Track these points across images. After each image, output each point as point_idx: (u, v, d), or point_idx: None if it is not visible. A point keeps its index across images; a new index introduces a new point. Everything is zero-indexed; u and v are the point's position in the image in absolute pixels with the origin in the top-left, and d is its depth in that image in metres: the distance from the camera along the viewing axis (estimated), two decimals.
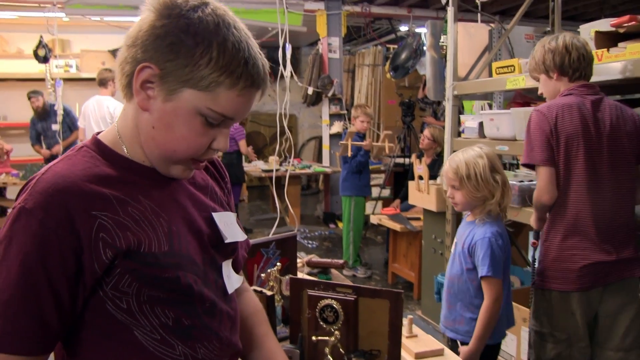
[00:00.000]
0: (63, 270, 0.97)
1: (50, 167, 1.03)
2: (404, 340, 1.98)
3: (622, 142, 2.37)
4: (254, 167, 7.82)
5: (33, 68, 7.93)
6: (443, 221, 3.97)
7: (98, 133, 1.15)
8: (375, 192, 7.08)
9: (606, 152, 2.33)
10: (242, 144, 6.94)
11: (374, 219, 5.51)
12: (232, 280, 1.22)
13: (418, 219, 4.96)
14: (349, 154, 5.38)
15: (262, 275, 2.01)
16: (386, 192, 7.29)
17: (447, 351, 1.96)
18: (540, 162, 2.33)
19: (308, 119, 11.62)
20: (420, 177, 4.20)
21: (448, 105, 3.76)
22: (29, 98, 7.08)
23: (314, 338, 1.50)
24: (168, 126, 1.04)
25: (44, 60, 6.72)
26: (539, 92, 2.59)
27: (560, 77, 2.43)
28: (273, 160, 7.54)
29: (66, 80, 8.06)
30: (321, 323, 1.49)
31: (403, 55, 7.75)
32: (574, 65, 2.38)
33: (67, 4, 6.73)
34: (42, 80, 7.31)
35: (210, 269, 1.16)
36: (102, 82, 5.67)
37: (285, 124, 4.22)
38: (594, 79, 2.49)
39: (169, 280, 1.06)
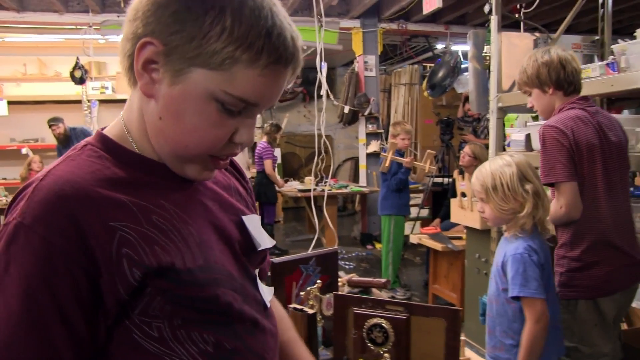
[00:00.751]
0: (75, 298, 0.79)
1: (50, 171, 0.85)
2: None
3: (623, 149, 2.45)
4: (290, 187, 7.71)
5: (70, 90, 8.04)
6: (487, 239, 3.78)
7: (103, 128, 0.97)
8: (413, 212, 6.91)
9: (616, 160, 2.39)
10: (267, 164, 6.80)
11: (413, 239, 5.33)
12: (265, 291, 1.05)
13: (459, 238, 4.77)
14: (387, 164, 5.23)
15: (302, 293, 1.88)
16: (425, 212, 7.12)
17: None
18: (565, 178, 2.30)
19: (343, 140, 11.52)
20: (463, 194, 4.03)
21: (492, 118, 3.59)
22: (50, 126, 7.08)
23: None
24: (177, 115, 0.86)
25: (80, 81, 6.77)
26: (529, 105, 2.54)
27: (556, 92, 2.44)
28: (309, 180, 7.45)
29: (102, 101, 8.15)
30: (369, 344, 1.34)
31: (440, 74, 7.62)
32: (568, 79, 2.41)
33: (102, 25, 6.79)
34: (79, 102, 7.37)
35: (246, 281, 0.99)
36: None
37: (324, 138, 4.12)
38: None
39: (206, 300, 0.89)
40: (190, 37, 0.82)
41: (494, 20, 3.53)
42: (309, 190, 7.03)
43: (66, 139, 7.16)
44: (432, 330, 1.31)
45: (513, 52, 3.74)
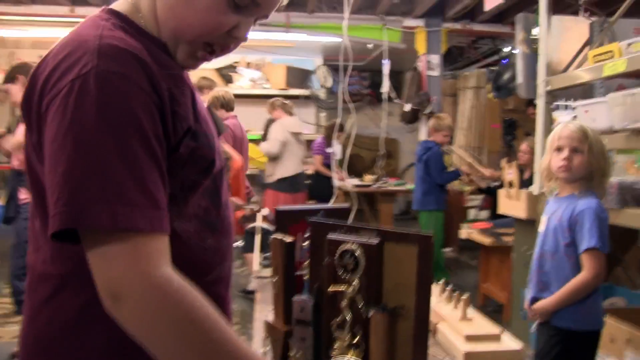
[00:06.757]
0: (156, 135, 0.87)
1: (103, 34, 0.89)
2: (456, 324, 1.74)
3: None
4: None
5: None
6: (535, 231, 3.63)
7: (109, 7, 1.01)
8: (472, 214, 6.76)
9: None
10: (316, 160, 6.85)
11: (462, 233, 5.20)
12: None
13: (512, 235, 4.62)
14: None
15: (304, 244, 1.85)
16: (484, 214, 6.93)
17: (506, 337, 1.70)
18: None
19: (410, 145, 11.35)
20: (510, 184, 3.88)
21: (540, 102, 3.46)
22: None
23: (329, 289, 1.30)
24: None
25: None
26: None
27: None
28: (369, 178, 7.41)
29: None
30: (340, 272, 1.30)
31: (506, 75, 7.39)
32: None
33: None
34: None
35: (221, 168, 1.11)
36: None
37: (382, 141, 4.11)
38: None
39: (209, 163, 1.01)
40: None
41: (542, 1, 3.40)
42: (365, 186, 6.99)
43: None
44: (405, 259, 1.25)
45: (565, 35, 3.60)
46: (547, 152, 2.36)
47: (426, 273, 1.23)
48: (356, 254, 1.27)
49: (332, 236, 1.32)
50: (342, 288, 1.28)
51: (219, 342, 0.83)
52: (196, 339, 0.81)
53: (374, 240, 1.27)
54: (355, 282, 1.27)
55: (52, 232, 0.81)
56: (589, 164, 2.23)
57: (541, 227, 2.42)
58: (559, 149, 2.27)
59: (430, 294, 1.25)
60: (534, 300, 2.34)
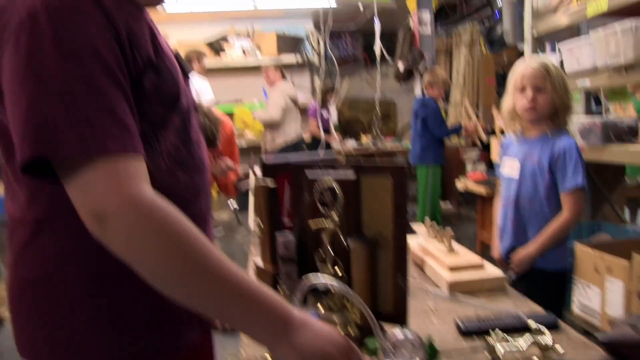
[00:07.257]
0: (118, 65, 0.88)
1: None
2: (441, 256, 1.80)
3: None
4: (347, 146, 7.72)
5: None
6: None
7: None
8: (470, 167, 6.78)
9: None
10: (312, 123, 6.80)
11: (459, 185, 5.24)
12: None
13: None
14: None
15: None
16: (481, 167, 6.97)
17: (488, 266, 1.77)
18: None
19: (407, 104, 11.33)
20: (502, 132, 3.92)
21: (527, 48, 3.48)
22: None
23: (311, 225, 1.35)
24: None
25: None
26: None
27: None
28: (366, 138, 7.44)
29: None
30: (320, 208, 1.35)
31: (499, 29, 7.37)
32: None
33: None
34: None
35: (191, 106, 1.14)
36: None
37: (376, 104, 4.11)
38: None
39: (175, 98, 1.03)
40: None
41: None
42: (364, 149, 7.03)
43: None
44: (381, 191, 1.29)
45: None
46: (509, 93, 2.29)
47: (401, 203, 1.28)
48: (334, 190, 1.32)
49: (310, 174, 1.36)
50: (322, 224, 1.33)
51: (205, 253, 0.84)
52: (184, 251, 0.82)
53: (350, 176, 1.32)
54: (335, 217, 1.32)
55: (24, 166, 0.82)
56: (552, 101, 2.19)
57: (507, 171, 2.35)
58: (522, 89, 2.22)
59: (406, 222, 1.30)
60: (512, 249, 2.30)
